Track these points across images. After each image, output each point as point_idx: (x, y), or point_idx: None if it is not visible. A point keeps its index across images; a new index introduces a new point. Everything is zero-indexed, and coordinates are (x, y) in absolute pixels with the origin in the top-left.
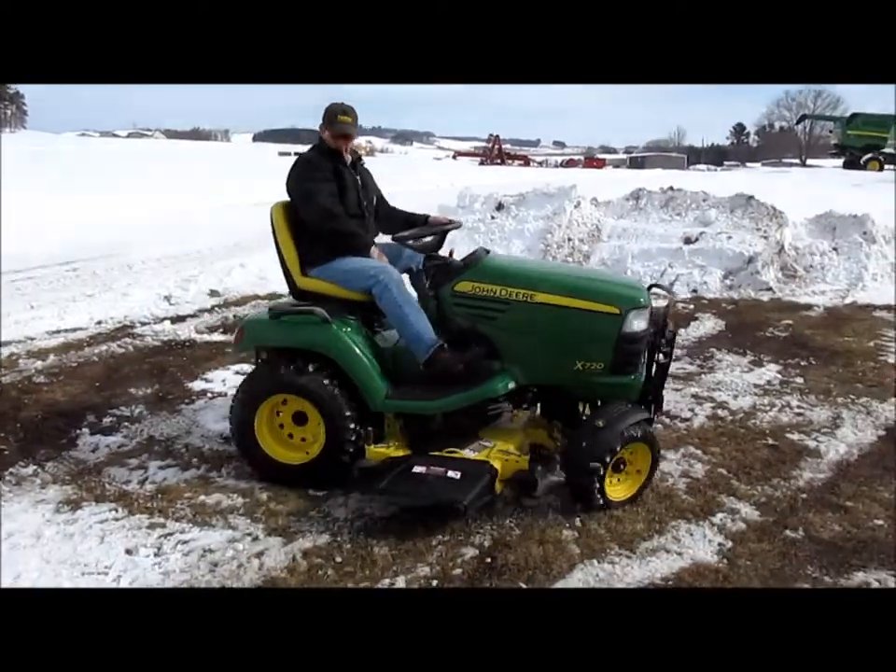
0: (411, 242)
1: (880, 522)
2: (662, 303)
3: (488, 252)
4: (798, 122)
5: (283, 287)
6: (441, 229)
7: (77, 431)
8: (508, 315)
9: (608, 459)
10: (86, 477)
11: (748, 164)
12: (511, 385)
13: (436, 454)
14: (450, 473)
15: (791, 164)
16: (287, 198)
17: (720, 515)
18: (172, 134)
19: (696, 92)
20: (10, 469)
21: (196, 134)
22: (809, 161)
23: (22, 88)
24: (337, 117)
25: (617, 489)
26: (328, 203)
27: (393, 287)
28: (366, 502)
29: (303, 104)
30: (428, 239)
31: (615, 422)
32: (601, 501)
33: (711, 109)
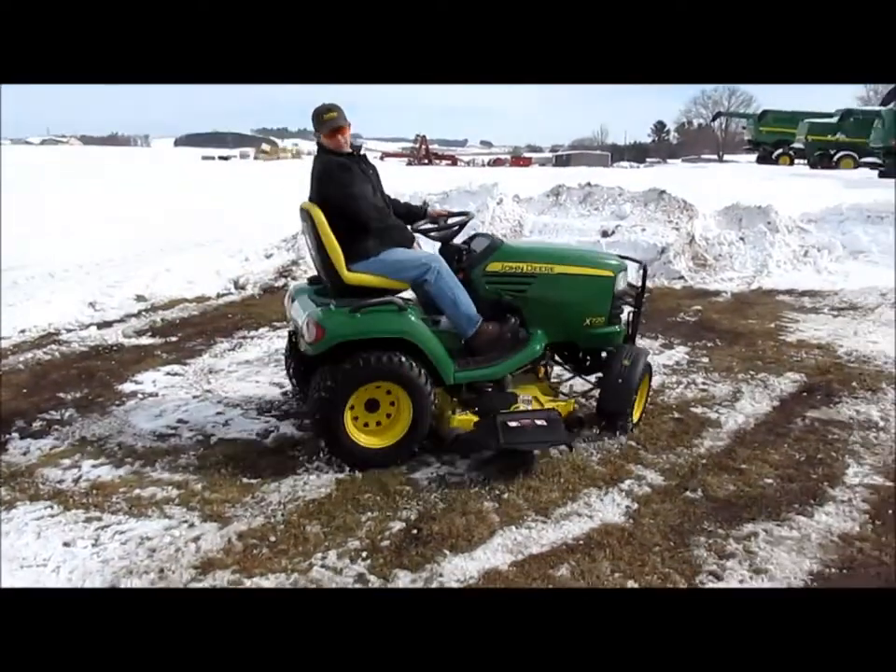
0: (434, 234)
1: (769, 480)
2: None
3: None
4: (713, 119)
5: (210, 290)
6: (462, 220)
7: (7, 436)
8: (534, 286)
9: (638, 388)
10: (18, 479)
11: (668, 160)
12: (544, 346)
13: (511, 410)
14: (538, 422)
15: (710, 160)
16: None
17: (627, 482)
18: (88, 140)
19: (617, 91)
20: None
21: (115, 140)
22: (726, 157)
23: None
24: (323, 116)
25: (636, 413)
26: (378, 202)
27: (444, 272)
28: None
29: (224, 108)
30: (446, 230)
31: (636, 360)
32: (632, 425)
33: (632, 108)
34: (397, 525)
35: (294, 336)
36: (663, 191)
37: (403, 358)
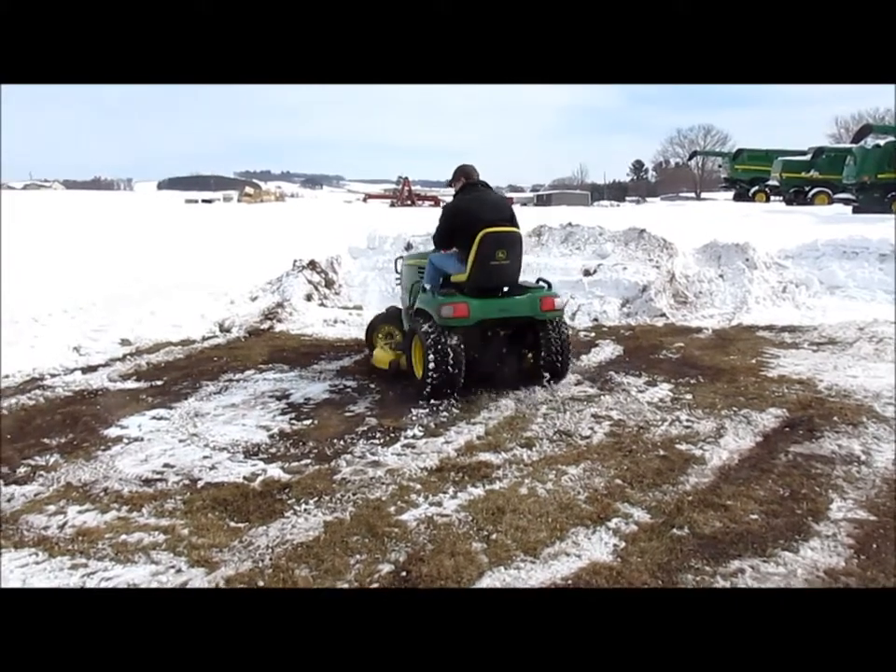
0: None
1: (755, 516)
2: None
3: None
4: (690, 158)
5: (195, 333)
6: None
7: None
8: None
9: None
10: (3, 526)
11: (648, 199)
12: None
13: None
14: None
15: (687, 198)
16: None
17: (615, 520)
18: (71, 185)
19: (595, 132)
20: None
21: (97, 184)
22: (704, 195)
23: None
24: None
25: None
26: None
27: None
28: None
29: (206, 151)
30: None
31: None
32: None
33: (611, 148)
34: (385, 568)
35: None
36: (643, 230)
37: None
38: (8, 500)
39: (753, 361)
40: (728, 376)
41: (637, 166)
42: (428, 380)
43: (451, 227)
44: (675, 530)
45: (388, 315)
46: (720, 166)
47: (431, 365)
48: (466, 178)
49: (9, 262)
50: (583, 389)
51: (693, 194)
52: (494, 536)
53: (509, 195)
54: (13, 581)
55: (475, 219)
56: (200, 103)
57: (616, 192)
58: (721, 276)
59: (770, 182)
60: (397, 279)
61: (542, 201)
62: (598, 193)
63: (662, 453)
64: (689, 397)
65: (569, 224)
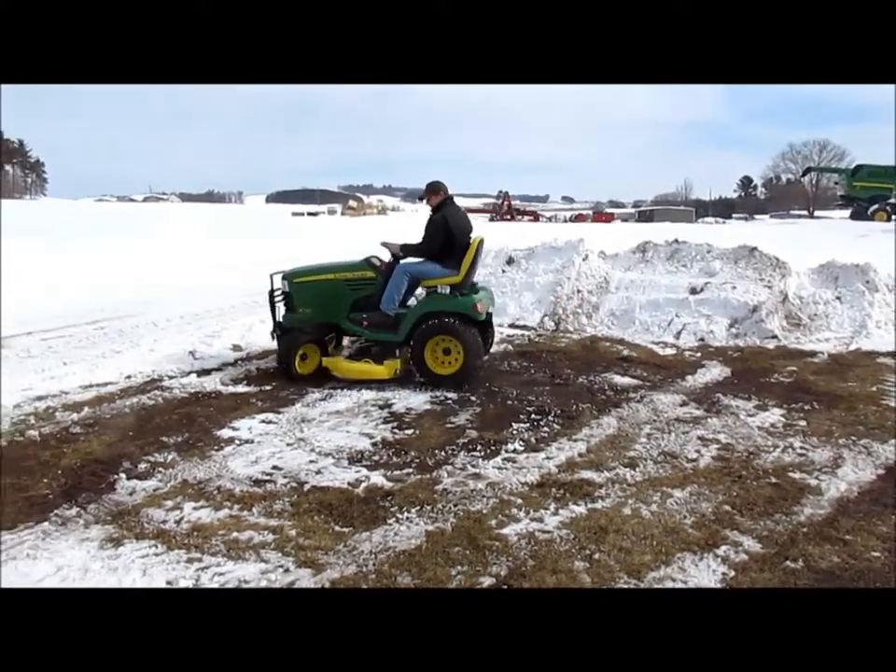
0: None
1: (877, 554)
2: None
3: None
4: (804, 175)
5: None
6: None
7: (115, 477)
8: None
9: None
10: (125, 517)
11: (756, 216)
12: None
13: None
14: None
15: (800, 216)
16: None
17: (723, 547)
18: (187, 197)
19: (700, 147)
20: (55, 511)
21: (210, 197)
22: (817, 213)
23: (43, 157)
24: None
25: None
26: None
27: None
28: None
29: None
30: None
31: None
32: None
33: (717, 163)
34: (487, 581)
35: None
36: (754, 248)
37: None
38: (130, 494)
39: (874, 389)
40: (846, 403)
41: (746, 182)
42: (471, 370)
43: (446, 237)
44: (788, 562)
45: (307, 333)
46: (836, 183)
47: (472, 356)
48: (444, 193)
49: (131, 270)
50: (689, 410)
51: (805, 212)
52: (596, 555)
53: (609, 211)
54: (134, 571)
55: (464, 229)
56: (307, 119)
57: (722, 209)
58: (838, 298)
59: (892, 200)
60: (279, 297)
61: (644, 216)
62: (703, 210)
63: (773, 480)
64: (803, 423)
65: (675, 241)
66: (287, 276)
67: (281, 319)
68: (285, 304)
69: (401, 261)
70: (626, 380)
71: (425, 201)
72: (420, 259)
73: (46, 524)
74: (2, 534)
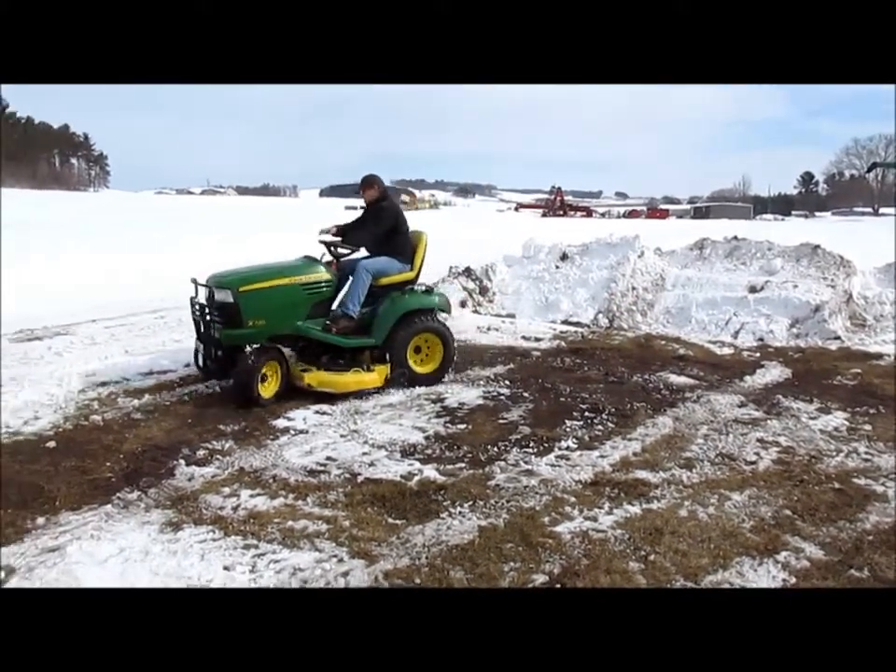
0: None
1: None
2: None
3: None
4: (869, 171)
5: None
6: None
7: (174, 462)
8: None
9: None
10: (184, 503)
11: (817, 214)
12: None
13: None
14: None
15: (863, 213)
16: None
17: (784, 553)
18: (243, 191)
19: (759, 142)
20: (118, 494)
21: (266, 191)
22: (883, 210)
23: (106, 150)
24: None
25: None
26: None
27: None
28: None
29: (365, 162)
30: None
31: None
32: None
33: (776, 158)
34: (540, 578)
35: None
36: (817, 246)
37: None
38: (189, 479)
39: None
40: None
41: (806, 178)
42: (449, 366)
43: (405, 228)
44: (853, 571)
45: (267, 349)
46: None
47: (452, 351)
48: (380, 187)
49: (186, 260)
50: (747, 412)
51: (869, 209)
52: (652, 557)
53: (663, 207)
54: (193, 555)
55: (407, 224)
56: (361, 113)
57: (781, 206)
58: None
59: None
60: (214, 310)
61: (700, 213)
62: (761, 206)
63: (837, 486)
64: (868, 427)
65: (734, 238)
66: (228, 284)
67: (218, 336)
68: (222, 318)
69: (362, 260)
70: (682, 379)
71: (360, 195)
72: (377, 257)
73: (109, 506)
74: (67, 514)
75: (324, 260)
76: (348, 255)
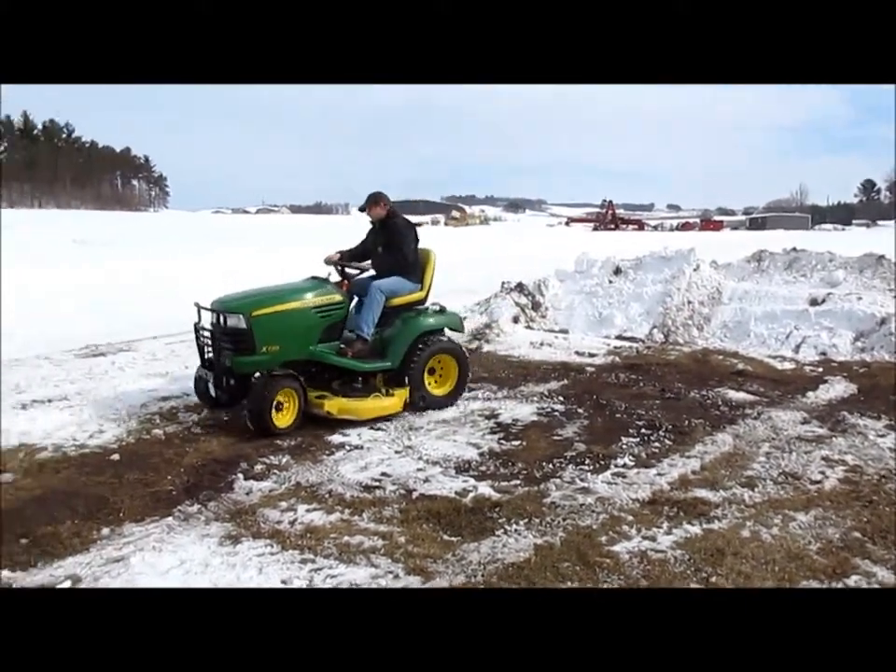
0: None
1: None
2: None
3: None
4: None
5: None
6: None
7: (233, 476)
8: None
9: None
10: (243, 516)
11: (879, 223)
12: None
13: None
14: None
15: None
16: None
17: (854, 577)
18: (296, 209)
19: (817, 149)
20: (178, 507)
21: (319, 209)
22: None
23: (165, 171)
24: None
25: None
26: None
27: None
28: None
29: (415, 178)
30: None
31: None
32: None
33: (835, 165)
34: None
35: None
36: (881, 256)
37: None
38: (247, 494)
39: None
40: None
41: (868, 186)
42: (464, 388)
43: (415, 249)
44: None
45: (277, 376)
46: None
47: (467, 371)
48: (387, 204)
49: (247, 278)
50: (811, 429)
51: None
52: (713, 579)
53: (717, 218)
54: (251, 569)
55: (416, 242)
56: (410, 132)
57: (841, 215)
58: None
59: None
60: (224, 337)
61: (756, 224)
62: (820, 216)
63: None
64: None
65: (793, 249)
66: (240, 309)
67: (229, 363)
68: (234, 345)
69: (374, 280)
70: (742, 395)
71: (366, 213)
72: (387, 277)
73: (170, 518)
74: (131, 526)
75: (332, 281)
76: (357, 275)
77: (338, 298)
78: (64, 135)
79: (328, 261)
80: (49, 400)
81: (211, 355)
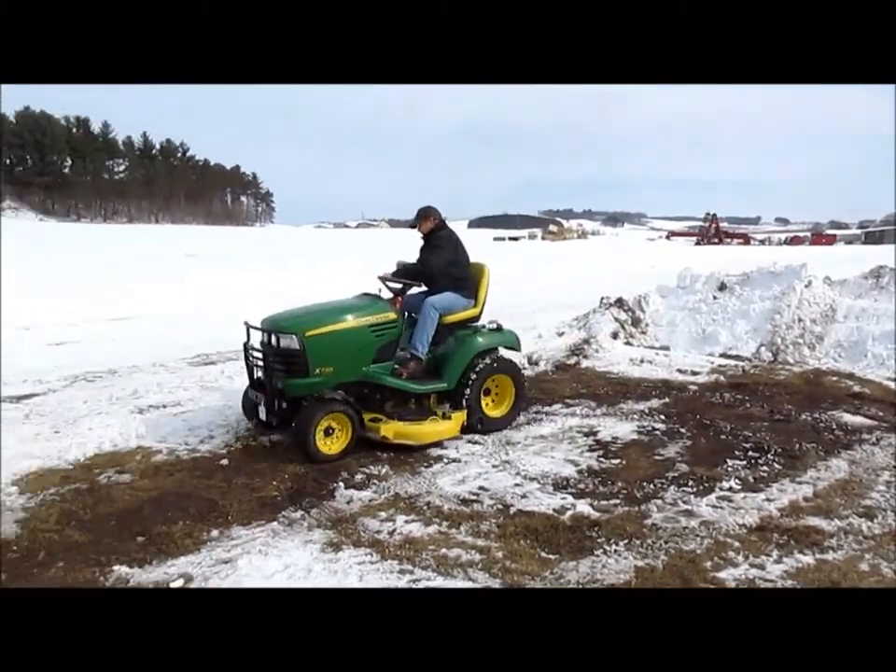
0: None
1: None
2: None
3: None
4: None
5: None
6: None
7: (334, 485)
8: None
9: None
10: (344, 524)
11: None
12: None
13: None
14: None
15: None
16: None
17: None
18: (395, 223)
19: None
20: (283, 513)
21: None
22: None
23: (272, 188)
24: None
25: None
26: None
27: None
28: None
29: (511, 194)
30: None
31: None
32: None
33: None
34: None
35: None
36: None
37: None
38: (348, 502)
39: None
40: None
41: None
42: (520, 410)
43: (466, 263)
44: None
45: (325, 400)
46: None
47: (524, 391)
48: (437, 219)
49: (343, 287)
50: None
51: None
52: None
53: (829, 232)
54: (352, 576)
55: (468, 256)
56: (506, 145)
57: None
58: None
59: None
60: (276, 357)
61: (873, 238)
62: None
63: None
64: None
65: None
66: (293, 329)
67: (280, 385)
68: (286, 366)
69: (428, 297)
70: (858, 419)
71: (416, 228)
72: (440, 293)
73: (275, 523)
74: (238, 529)
75: (385, 298)
76: (407, 290)
77: (392, 315)
78: (179, 154)
79: (381, 276)
80: (164, 406)
81: (261, 375)
